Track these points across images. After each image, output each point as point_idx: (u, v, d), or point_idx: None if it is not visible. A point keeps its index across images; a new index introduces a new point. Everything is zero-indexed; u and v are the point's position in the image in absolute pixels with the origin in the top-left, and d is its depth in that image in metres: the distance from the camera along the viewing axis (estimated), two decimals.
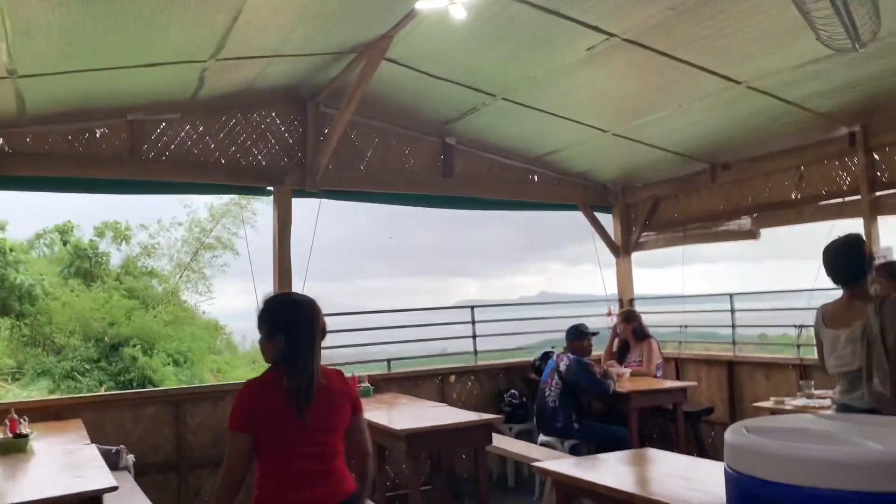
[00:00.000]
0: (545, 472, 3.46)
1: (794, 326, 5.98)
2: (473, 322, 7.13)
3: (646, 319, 6.96)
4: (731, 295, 6.64)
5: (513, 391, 6.89)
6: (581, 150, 6.84)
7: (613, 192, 7.67)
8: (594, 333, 6.31)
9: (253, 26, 4.41)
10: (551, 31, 4.64)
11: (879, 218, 5.42)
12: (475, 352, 7.15)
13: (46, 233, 21.49)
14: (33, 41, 4.02)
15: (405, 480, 6.23)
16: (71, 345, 17.85)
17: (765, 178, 6.33)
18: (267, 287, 6.33)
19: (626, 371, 6.30)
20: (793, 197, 6.09)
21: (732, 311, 6.61)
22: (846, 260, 3.58)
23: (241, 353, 21.96)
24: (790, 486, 1.96)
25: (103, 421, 5.51)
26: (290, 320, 2.57)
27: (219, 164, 6.06)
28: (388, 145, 6.75)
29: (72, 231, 20.63)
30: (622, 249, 7.71)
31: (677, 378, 7.03)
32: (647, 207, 7.48)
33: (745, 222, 6.46)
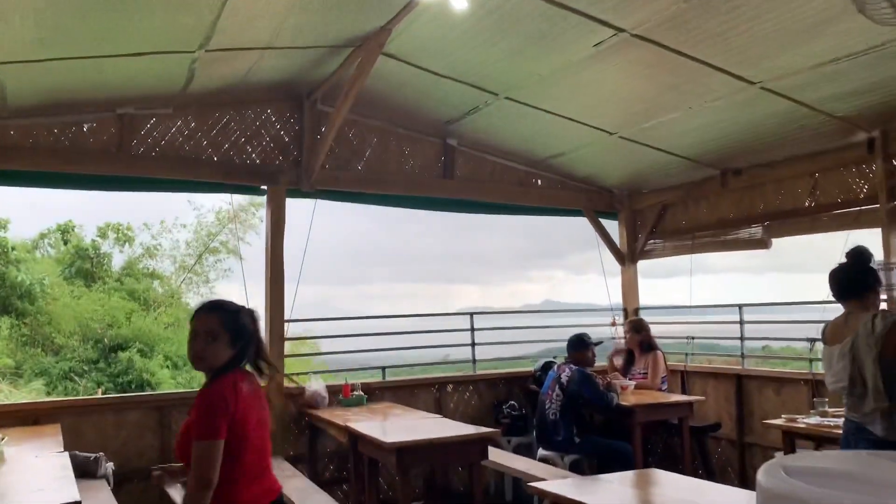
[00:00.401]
0: (544, 494, 3.18)
1: (806, 340, 5.69)
2: (473, 330, 6.85)
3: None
4: (740, 306, 6.36)
5: (512, 402, 6.61)
6: (586, 154, 6.57)
7: (619, 198, 7.40)
8: (598, 343, 6.05)
9: (242, 15, 4.17)
10: (557, 26, 4.38)
11: None
12: (473, 360, 6.87)
13: (50, 233, 21.34)
14: (9, 25, 3.78)
15: (398, 493, 5.96)
16: (70, 345, 17.63)
17: (777, 185, 6.05)
18: (261, 290, 6.10)
19: (630, 384, 6.02)
20: (807, 205, 5.81)
21: (742, 322, 6.32)
22: (843, 275, 3.64)
23: None
24: None
25: (83, 426, 5.26)
26: (253, 330, 2.69)
27: (211, 161, 5.83)
28: (387, 145, 6.50)
29: (73, 231, 20.41)
30: (627, 257, 7.43)
31: (683, 391, 6.74)
32: (653, 214, 7.20)
33: (756, 231, 6.19)
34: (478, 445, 4.47)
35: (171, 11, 4.00)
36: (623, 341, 6.60)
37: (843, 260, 3.70)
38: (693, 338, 6.91)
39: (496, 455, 5.29)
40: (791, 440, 4.75)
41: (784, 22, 4.03)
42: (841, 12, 3.81)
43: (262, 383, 2.76)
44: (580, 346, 5.86)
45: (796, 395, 5.81)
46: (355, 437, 4.83)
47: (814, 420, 4.65)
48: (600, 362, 6.81)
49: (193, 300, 21.61)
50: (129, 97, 5.42)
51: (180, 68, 4.91)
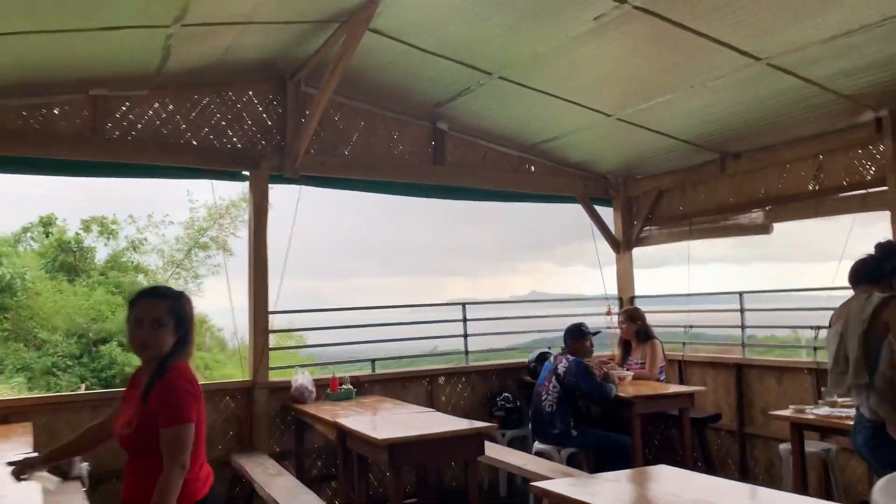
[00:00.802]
0: (547, 495, 2.91)
1: (811, 328, 5.46)
2: (465, 320, 6.58)
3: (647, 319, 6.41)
4: (740, 293, 6.11)
5: (506, 394, 6.35)
6: (581, 138, 6.30)
7: (614, 184, 7.14)
8: (595, 333, 5.80)
9: None
10: None
11: None
12: (466, 352, 6.60)
13: (33, 226, 20.87)
14: None
15: (389, 490, 5.69)
16: (53, 340, 17.22)
17: (779, 168, 5.81)
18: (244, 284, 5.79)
19: (628, 374, 5.77)
20: (810, 188, 5.57)
21: (742, 310, 6.08)
22: (862, 263, 3.61)
23: (231, 350, 21.40)
24: None
25: (57, 425, 4.94)
26: (191, 316, 2.63)
27: (190, 145, 5.51)
28: (375, 129, 6.20)
29: (54, 223, 19.94)
30: (623, 245, 7.19)
31: (680, 382, 6.51)
32: (649, 200, 6.95)
33: (757, 216, 5.94)
34: (473, 441, 4.20)
35: None
36: (619, 331, 6.34)
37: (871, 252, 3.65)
38: (691, 326, 6.66)
39: (491, 449, 5.02)
40: (799, 432, 4.51)
41: None
42: None
43: None
44: (578, 335, 5.60)
45: (799, 385, 5.59)
46: (344, 434, 4.55)
47: (823, 411, 4.41)
48: (604, 351, 6.58)
49: None
50: (102, 77, 5.10)
51: (155, 45, 4.58)
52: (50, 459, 2.78)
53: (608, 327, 6.74)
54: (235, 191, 19.90)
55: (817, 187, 5.51)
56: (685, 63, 4.74)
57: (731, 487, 3.01)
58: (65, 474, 4.45)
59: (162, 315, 2.50)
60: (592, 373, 5.37)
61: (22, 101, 4.97)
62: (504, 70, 5.19)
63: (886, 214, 4.94)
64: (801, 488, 4.48)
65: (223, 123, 5.65)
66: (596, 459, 5.61)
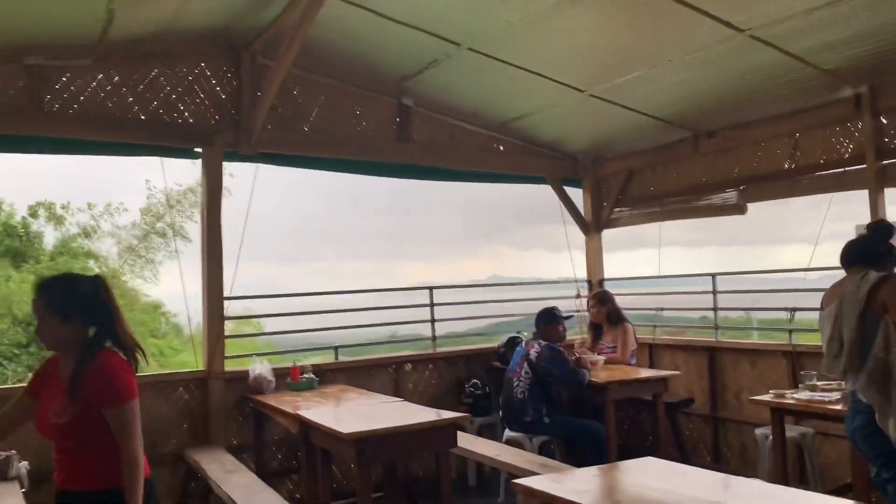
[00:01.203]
0: (530, 493, 2.66)
1: (786, 310, 5.31)
2: (432, 305, 6.30)
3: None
4: (713, 275, 5.95)
5: (475, 381, 6.11)
6: (552, 115, 6.05)
7: (584, 165, 6.90)
8: (568, 317, 5.58)
9: None
10: None
11: (886, 190, 4.76)
12: (433, 338, 6.33)
13: None
14: None
15: (354, 483, 5.41)
16: None
17: (754, 146, 5.63)
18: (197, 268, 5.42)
19: (601, 359, 5.57)
20: (786, 167, 5.41)
21: (715, 292, 5.92)
22: (856, 245, 3.50)
23: (186, 337, 20.74)
24: None
25: None
26: (98, 300, 2.50)
27: (137, 120, 5.10)
28: (336, 105, 5.84)
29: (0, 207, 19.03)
30: (592, 226, 6.97)
31: (651, 365, 6.35)
32: (619, 181, 6.74)
33: (731, 196, 5.77)
34: (445, 432, 3.94)
35: None
36: (588, 314, 6.14)
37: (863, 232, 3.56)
38: (662, 309, 6.49)
39: (460, 438, 4.74)
40: (780, 417, 4.35)
41: None
42: None
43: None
44: (550, 320, 5.38)
45: (774, 368, 5.45)
46: (307, 427, 4.24)
47: (804, 395, 4.26)
48: (573, 336, 6.36)
49: (136, 283, 20.61)
50: (38, 44, 4.66)
51: (96, 9, 4.18)
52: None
53: (577, 311, 6.53)
54: (193, 176, 19.29)
55: (794, 166, 5.35)
56: (664, 34, 4.51)
57: (729, 482, 2.79)
58: (2, 474, 4.10)
59: (40, 310, 2.44)
60: (566, 358, 5.17)
61: None
62: (473, 41, 4.89)
63: (864, 193, 4.80)
64: (782, 474, 4.32)
65: (174, 97, 5.24)
66: (568, 447, 5.43)
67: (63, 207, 20.09)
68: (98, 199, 20.66)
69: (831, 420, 4.15)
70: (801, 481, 4.97)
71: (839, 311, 3.31)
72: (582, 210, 7.03)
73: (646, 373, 5.56)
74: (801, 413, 4.41)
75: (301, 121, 5.71)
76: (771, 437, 4.77)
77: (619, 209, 6.80)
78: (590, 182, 6.96)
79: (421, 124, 6.17)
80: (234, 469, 4.47)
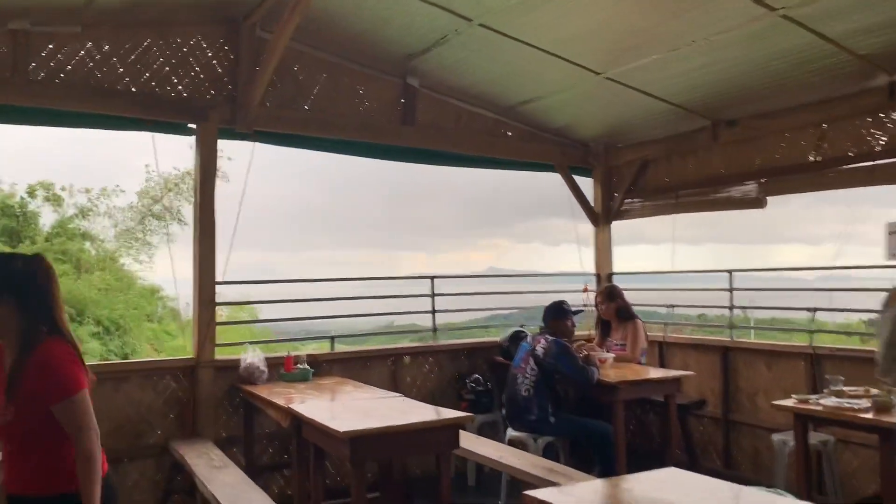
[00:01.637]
0: None
1: (807, 310, 5.02)
2: (433, 295, 6.00)
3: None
4: (729, 271, 5.65)
5: (476, 376, 5.81)
6: (564, 99, 5.74)
7: (595, 153, 6.58)
8: (577, 312, 5.29)
9: None
10: None
11: None
12: (434, 329, 6.04)
13: None
14: None
15: (348, 480, 5.14)
16: None
17: (777, 137, 5.33)
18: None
19: (610, 356, 5.28)
20: (811, 159, 5.10)
21: (732, 290, 5.62)
22: None
23: (186, 322, 20.47)
24: None
25: None
26: (28, 281, 2.28)
27: (128, 92, 4.81)
28: (339, 83, 5.54)
29: None
30: (602, 218, 6.67)
31: (661, 364, 6.06)
32: (632, 171, 6.43)
33: (751, 188, 5.47)
34: (447, 433, 3.65)
35: None
36: (598, 310, 5.84)
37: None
38: (674, 306, 6.20)
39: (463, 439, 4.49)
40: (803, 423, 4.06)
41: None
42: None
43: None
44: (559, 314, 5.09)
45: (792, 371, 5.16)
46: (299, 422, 3.96)
47: (831, 402, 3.96)
48: (580, 332, 6.07)
49: (132, 265, 20.34)
50: (23, 7, 4.35)
51: None
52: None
53: (584, 306, 6.23)
54: (192, 159, 18.99)
55: (819, 158, 5.04)
56: (690, 13, 4.20)
57: (764, 499, 2.49)
58: None
59: None
60: (574, 355, 4.88)
61: None
62: (485, 16, 4.58)
63: None
64: (805, 484, 4.03)
65: (167, 69, 4.95)
66: (573, 447, 5.15)
67: (63, 189, 19.83)
68: (100, 184, 20.30)
69: (859, 429, 3.86)
70: (820, 491, 4.69)
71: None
72: (591, 200, 6.73)
73: (658, 373, 5.28)
74: (826, 420, 4.11)
75: (301, 99, 5.42)
76: (790, 443, 4.50)
77: (630, 200, 6.50)
78: (600, 171, 6.66)
79: (426, 106, 5.87)
80: (221, 465, 4.19)
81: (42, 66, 4.55)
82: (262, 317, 12.48)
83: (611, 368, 5.19)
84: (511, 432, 5.03)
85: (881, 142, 4.69)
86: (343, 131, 5.52)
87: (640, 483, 2.59)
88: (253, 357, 4.98)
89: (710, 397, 5.69)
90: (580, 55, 4.95)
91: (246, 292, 8.41)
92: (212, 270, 4.98)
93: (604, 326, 5.87)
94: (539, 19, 4.52)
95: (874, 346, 3.43)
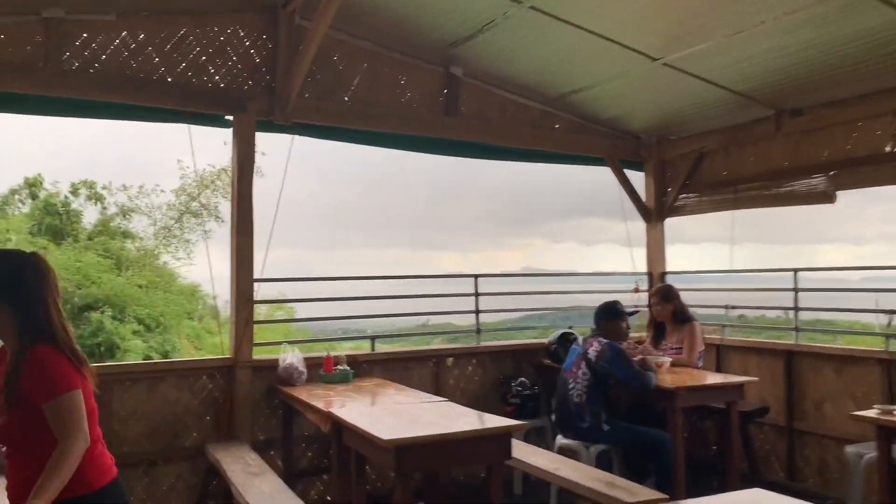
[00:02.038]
0: None
1: (884, 312, 4.64)
2: (477, 295, 5.73)
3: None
4: (794, 271, 5.27)
5: (522, 379, 5.53)
6: (615, 88, 5.43)
7: (647, 145, 6.26)
8: (632, 313, 4.98)
9: None
10: None
11: None
12: (477, 330, 5.77)
13: (20, 188, 19.91)
14: None
15: (389, 485, 4.91)
16: None
17: (848, 126, 4.94)
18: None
19: (667, 360, 4.95)
20: (887, 150, 4.71)
21: (796, 290, 5.25)
22: None
23: (225, 319, 20.46)
24: None
25: None
26: (18, 280, 2.21)
27: (164, 83, 4.66)
28: (379, 73, 5.32)
29: (41, 185, 18.99)
30: (654, 214, 6.33)
31: (717, 369, 5.70)
32: (687, 164, 6.07)
33: (818, 182, 5.09)
34: (498, 442, 3.38)
35: None
36: (652, 312, 5.52)
37: None
38: (732, 307, 5.83)
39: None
40: (887, 436, 3.70)
41: None
42: None
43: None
44: (612, 315, 4.78)
45: (865, 377, 4.78)
46: (340, 427, 3.73)
47: None
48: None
49: (171, 262, 20.50)
50: None
51: None
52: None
53: (636, 307, 5.90)
54: (228, 156, 19.02)
55: None
56: None
57: None
58: None
59: None
60: (630, 358, 4.58)
61: None
62: None
63: None
64: (888, 502, 3.68)
65: (203, 58, 4.78)
66: (627, 458, 4.84)
67: (104, 188, 20.05)
68: (140, 182, 20.48)
69: None
70: None
71: None
72: (643, 196, 6.40)
73: (718, 378, 4.94)
74: None
75: (340, 90, 5.21)
76: (866, 456, 4.15)
77: (685, 195, 6.15)
78: (653, 164, 6.32)
79: (470, 97, 5.62)
80: (258, 471, 3.98)
81: (76, 55, 4.42)
82: (298, 316, 12.36)
83: (667, 373, 4.87)
84: (561, 440, 4.75)
85: None
86: (384, 123, 5.32)
87: None
88: (292, 357, 4.79)
89: (772, 404, 5.32)
90: (636, 39, 4.64)
91: (282, 290, 8.29)
92: (250, 268, 4.82)
93: (657, 329, 5.54)
94: (592, 1, 4.23)
95: None
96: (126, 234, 19.83)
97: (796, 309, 5.29)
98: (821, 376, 5.07)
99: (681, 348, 5.27)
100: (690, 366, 5.15)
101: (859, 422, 3.84)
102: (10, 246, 16.97)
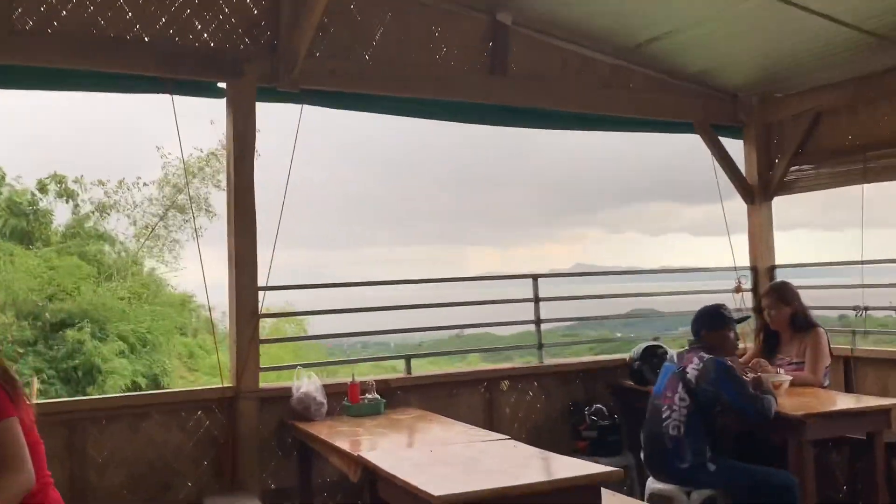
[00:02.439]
0: None
1: None
2: (537, 300, 5.52)
3: None
4: None
5: (598, 406, 5.27)
6: (705, 33, 5.22)
7: (747, 105, 6.06)
8: (742, 319, 4.65)
9: None
10: None
11: None
12: (539, 345, 5.56)
13: None
14: None
15: None
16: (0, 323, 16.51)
17: None
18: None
19: (787, 379, 4.62)
20: None
21: None
22: None
23: (222, 335, 20.47)
24: None
25: None
26: None
27: (140, 43, 4.54)
28: (407, 24, 5.20)
29: (3, 181, 19.20)
30: (759, 191, 6.11)
31: (847, 388, 5.41)
32: (800, 128, 5.85)
33: None
34: (583, 496, 3.10)
35: None
36: (766, 317, 5.20)
37: None
38: (866, 308, 5.47)
39: None
40: None
41: None
42: None
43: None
44: (717, 323, 4.45)
45: None
46: (373, 475, 3.49)
47: None
48: None
49: (156, 267, 20.61)
50: None
51: None
52: None
53: (739, 310, 5.60)
54: (217, 137, 18.99)
55: None
56: None
57: None
58: None
59: None
60: (741, 378, 4.25)
61: None
62: None
63: None
64: None
65: (188, 13, 4.67)
66: None
67: (76, 181, 20.22)
68: (118, 176, 20.59)
69: None
70: None
71: None
72: (744, 169, 6.19)
73: (855, 401, 4.60)
74: None
75: (359, 46, 5.10)
76: None
77: (797, 167, 5.93)
78: (755, 130, 6.12)
79: (522, 50, 5.49)
80: None
81: (29, 12, 4.30)
82: (310, 330, 12.24)
83: (786, 395, 4.54)
84: (653, 484, 4.47)
85: None
86: (413, 87, 5.22)
87: None
88: (308, 385, 4.62)
89: None
90: None
91: (289, 300, 8.11)
92: (253, 273, 4.67)
93: (768, 338, 5.21)
94: None
95: None
96: (103, 237, 19.98)
97: None
98: None
99: (801, 363, 4.94)
100: (815, 385, 4.84)
101: None
102: None
